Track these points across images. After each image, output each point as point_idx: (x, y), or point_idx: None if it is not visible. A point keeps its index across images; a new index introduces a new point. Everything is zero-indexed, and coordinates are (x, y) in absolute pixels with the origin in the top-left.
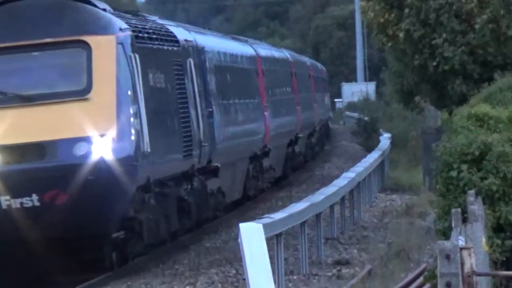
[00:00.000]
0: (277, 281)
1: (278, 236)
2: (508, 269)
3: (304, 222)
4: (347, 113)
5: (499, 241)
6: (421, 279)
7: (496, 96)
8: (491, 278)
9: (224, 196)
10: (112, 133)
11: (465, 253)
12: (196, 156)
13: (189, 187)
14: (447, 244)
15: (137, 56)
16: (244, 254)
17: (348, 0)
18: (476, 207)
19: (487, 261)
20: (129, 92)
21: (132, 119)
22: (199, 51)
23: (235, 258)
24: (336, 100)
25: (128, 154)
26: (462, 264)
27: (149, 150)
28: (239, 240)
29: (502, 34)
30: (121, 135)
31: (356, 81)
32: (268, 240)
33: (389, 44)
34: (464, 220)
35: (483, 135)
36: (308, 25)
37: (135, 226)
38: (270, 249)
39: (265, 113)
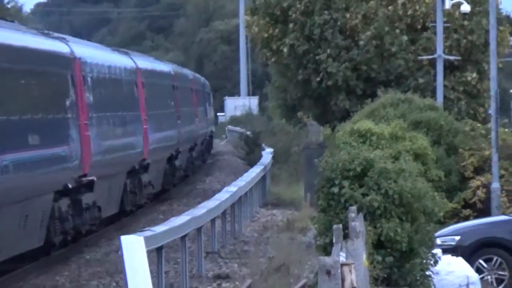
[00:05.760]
0: None
1: (159, 249)
2: (388, 285)
3: (185, 235)
4: (230, 127)
5: (379, 258)
6: None
7: (379, 112)
8: None
9: None
10: None
11: (345, 269)
12: None
13: None
14: (328, 260)
15: None
16: (125, 267)
17: (233, 14)
18: (357, 223)
19: (367, 277)
20: None
21: None
22: None
23: (116, 271)
24: (219, 114)
25: None
26: (343, 280)
27: None
28: (120, 252)
29: (386, 51)
30: None
31: (239, 95)
32: (149, 253)
33: (273, 59)
34: (345, 236)
35: (365, 151)
36: (192, 39)
37: None
38: (151, 262)
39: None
